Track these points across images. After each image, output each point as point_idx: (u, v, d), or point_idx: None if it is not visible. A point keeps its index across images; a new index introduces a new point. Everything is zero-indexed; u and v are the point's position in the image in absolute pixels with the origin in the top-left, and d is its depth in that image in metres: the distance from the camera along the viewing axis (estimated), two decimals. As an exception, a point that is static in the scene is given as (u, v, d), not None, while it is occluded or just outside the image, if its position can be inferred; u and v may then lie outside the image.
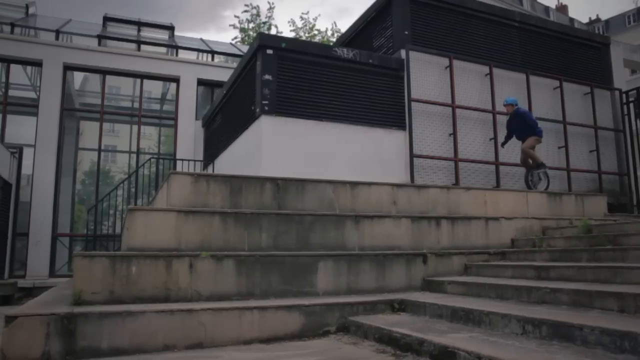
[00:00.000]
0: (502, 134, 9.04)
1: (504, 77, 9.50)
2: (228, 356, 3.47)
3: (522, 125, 8.59)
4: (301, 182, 5.81)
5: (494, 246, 6.08)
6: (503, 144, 8.95)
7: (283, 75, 7.72)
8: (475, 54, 9.41)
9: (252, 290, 4.43)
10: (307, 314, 4.07)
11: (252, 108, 7.89)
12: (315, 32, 26.23)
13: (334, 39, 23.19)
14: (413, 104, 8.56)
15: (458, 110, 8.89)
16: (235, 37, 26.19)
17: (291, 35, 25.72)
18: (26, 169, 11.18)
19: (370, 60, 8.48)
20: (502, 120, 9.09)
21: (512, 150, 9.11)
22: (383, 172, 7.91)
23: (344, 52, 8.33)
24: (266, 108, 7.50)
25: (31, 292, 9.69)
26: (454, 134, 8.81)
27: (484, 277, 5.03)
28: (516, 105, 8.67)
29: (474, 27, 9.57)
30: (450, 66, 9.00)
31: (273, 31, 25.68)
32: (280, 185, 5.67)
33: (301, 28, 26.16)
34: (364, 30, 10.14)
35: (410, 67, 8.68)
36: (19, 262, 10.83)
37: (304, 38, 25.16)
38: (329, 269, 4.76)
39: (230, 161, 9.34)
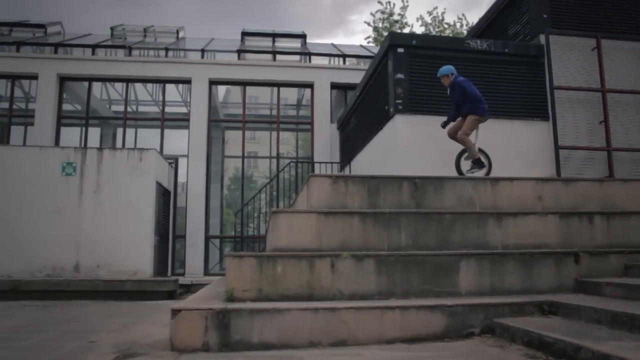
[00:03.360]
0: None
1: (665, 54, 8.47)
2: (371, 355, 3.52)
3: (461, 98, 7.04)
4: (439, 180, 5.70)
5: (660, 244, 5.45)
6: (444, 124, 7.28)
7: (415, 73, 7.64)
8: (627, 30, 8.50)
9: (393, 290, 4.43)
10: (449, 315, 3.98)
11: (386, 108, 7.92)
12: (445, 26, 25.53)
13: (465, 32, 22.39)
14: (556, 91, 7.98)
15: (609, 95, 8.11)
16: (368, 37, 26.37)
17: (421, 32, 25.31)
18: (181, 177, 12.32)
19: (506, 50, 8.08)
20: (665, 102, 8.12)
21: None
22: (524, 166, 7.48)
23: (477, 44, 8.02)
24: (400, 107, 7.47)
25: (190, 288, 10.63)
26: (605, 121, 8.06)
27: (649, 279, 4.54)
28: (453, 74, 7.17)
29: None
30: (598, 47, 8.24)
31: (406, 30, 25.44)
32: (418, 183, 5.62)
33: (430, 24, 25.63)
34: (497, 19, 9.67)
35: (551, 52, 8.11)
36: (178, 261, 11.96)
37: (434, 33, 24.62)
38: (471, 268, 4.61)
39: (366, 162, 9.45)
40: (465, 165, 6.99)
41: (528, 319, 3.97)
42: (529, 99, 7.98)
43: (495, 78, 7.93)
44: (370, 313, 3.93)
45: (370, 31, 27.38)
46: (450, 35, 23.77)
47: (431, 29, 25.40)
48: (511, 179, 5.91)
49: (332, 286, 4.37)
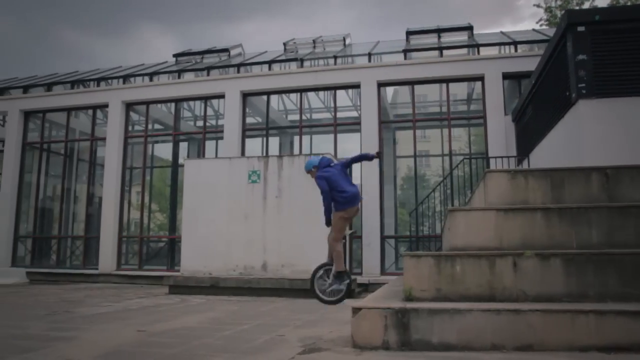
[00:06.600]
0: None
1: None
2: (564, 362, 3.27)
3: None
4: (637, 169, 5.07)
5: None
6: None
7: (600, 52, 6.89)
8: None
9: (585, 292, 4.05)
10: (658, 322, 3.52)
11: (567, 94, 7.28)
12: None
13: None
14: None
15: None
16: (540, 19, 24.48)
17: (607, 3, 22.73)
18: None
19: None
20: None
21: None
22: None
23: (681, 9, 6.97)
24: (583, 91, 6.81)
25: (367, 287, 10.90)
26: None
27: None
28: (316, 166, 6.30)
29: None
30: None
31: (585, 6, 23.05)
32: (610, 174, 5.06)
33: (620, -8, 22.82)
34: None
35: None
36: (355, 261, 12.32)
37: (623, 3, 21.94)
38: (683, 269, 4.01)
39: (546, 154, 8.78)
40: (321, 283, 6.00)
41: None
42: None
43: None
44: (560, 316, 3.65)
45: (541, 13, 25.36)
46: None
47: (621, -1, 22.64)
48: None
49: (515, 286, 4.15)
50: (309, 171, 6.64)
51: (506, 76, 12.49)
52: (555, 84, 8.05)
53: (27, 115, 15.81)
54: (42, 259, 15.20)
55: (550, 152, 8.47)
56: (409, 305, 3.97)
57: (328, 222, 6.16)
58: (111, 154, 14.37)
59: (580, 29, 7.01)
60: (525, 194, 5.14)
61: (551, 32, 12.46)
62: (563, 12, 10.46)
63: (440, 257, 4.33)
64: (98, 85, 15.61)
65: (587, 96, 6.79)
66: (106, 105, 14.83)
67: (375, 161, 12.41)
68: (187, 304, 8.17)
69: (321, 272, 6.07)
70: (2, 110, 16.12)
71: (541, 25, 23.52)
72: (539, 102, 9.45)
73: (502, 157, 11.03)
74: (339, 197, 6.13)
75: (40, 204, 15.66)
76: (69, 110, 15.45)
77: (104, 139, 14.75)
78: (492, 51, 13.36)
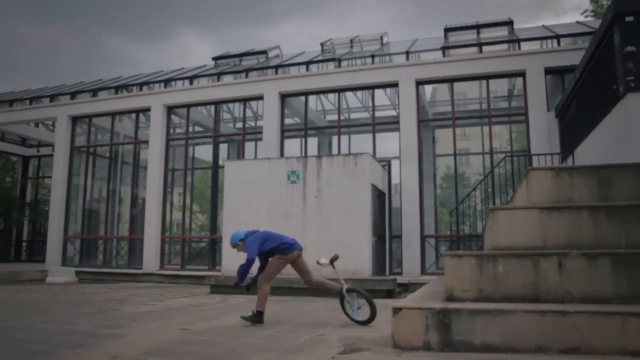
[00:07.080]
0: None
1: None
2: (613, 365, 3.16)
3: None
4: (689, 166, 4.87)
5: None
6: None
7: (650, 43, 6.62)
8: None
9: (636, 293, 3.91)
10: None
11: (614, 87, 7.03)
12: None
13: None
14: None
15: None
16: (585, 11, 23.70)
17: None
18: (394, 179, 12.60)
19: None
20: None
21: None
22: None
23: None
24: (632, 84, 6.55)
25: (407, 287, 10.81)
26: None
27: None
28: (242, 239, 6.18)
29: None
30: None
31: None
32: (661, 171, 4.87)
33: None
34: None
35: None
36: (395, 261, 12.24)
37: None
38: None
39: (592, 151, 8.50)
40: (349, 309, 5.99)
41: None
42: None
43: None
44: (609, 319, 3.53)
45: (586, 4, 24.55)
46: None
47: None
48: None
49: (560, 287, 4.04)
50: (237, 245, 6.50)
51: (549, 71, 12.17)
52: (602, 78, 7.79)
53: (75, 120, 16.39)
54: (90, 258, 15.72)
55: (597, 148, 8.20)
56: (451, 305, 3.92)
57: (239, 284, 6.45)
58: (153, 157, 14.72)
59: (629, 19, 6.76)
60: (570, 192, 5.00)
61: (596, 24, 12.06)
62: (610, 1, 9.97)
63: (482, 257, 4.26)
64: (140, 89, 16.01)
65: (636, 89, 6.53)
66: (148, 109, 15.21)
67: (414, 160, 12.31)
68: (229, 303, 8.29)
69: (344, 301, 6.14)
70: (52, 116, 16.79)
71: (586, 16, 22.78)
72: (584, 96, 9.16)
73: (545, 154, 10.72)
74: (281, 245, 6.29)
75: (87, 205, 16.22)
76: (113, 114, 15.96)
77: (146, 142, 15.13)
78: (534, 46, 13.03)
